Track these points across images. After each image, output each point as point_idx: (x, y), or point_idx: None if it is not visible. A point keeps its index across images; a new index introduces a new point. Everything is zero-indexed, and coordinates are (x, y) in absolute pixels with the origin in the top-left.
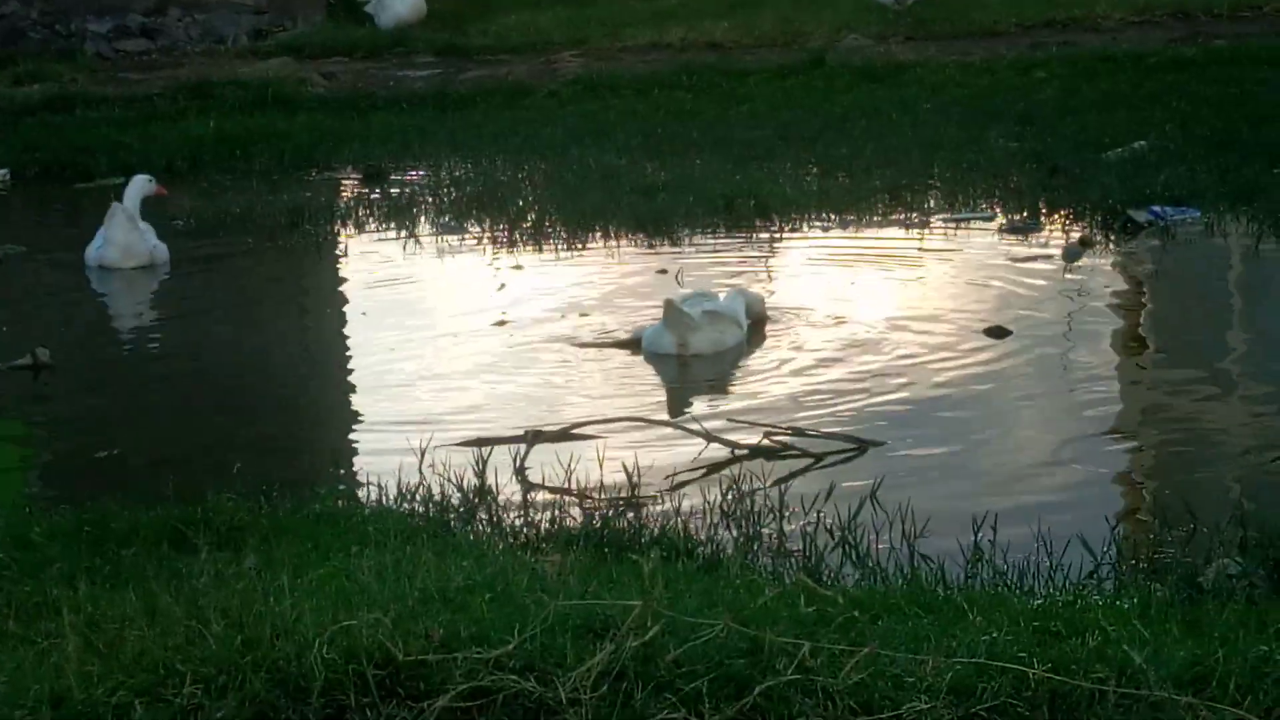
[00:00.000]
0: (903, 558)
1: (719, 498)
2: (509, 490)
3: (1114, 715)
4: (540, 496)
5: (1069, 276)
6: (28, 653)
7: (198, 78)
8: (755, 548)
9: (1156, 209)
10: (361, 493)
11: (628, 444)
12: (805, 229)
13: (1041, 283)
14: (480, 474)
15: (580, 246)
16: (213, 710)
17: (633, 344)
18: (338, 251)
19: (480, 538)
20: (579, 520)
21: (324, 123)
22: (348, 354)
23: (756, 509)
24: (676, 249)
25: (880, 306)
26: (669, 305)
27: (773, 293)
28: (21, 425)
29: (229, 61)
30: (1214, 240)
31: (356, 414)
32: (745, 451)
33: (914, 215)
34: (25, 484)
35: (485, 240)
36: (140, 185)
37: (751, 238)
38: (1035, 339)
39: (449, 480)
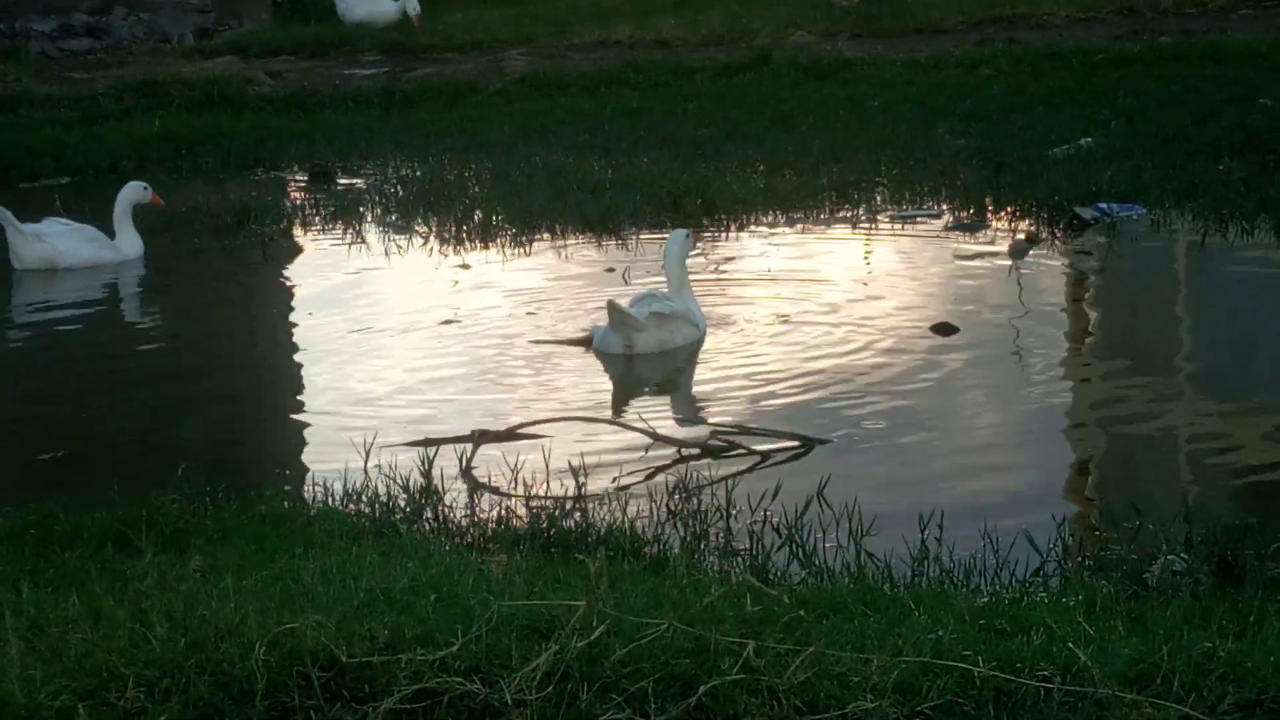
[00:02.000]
0: (849, 556)
1: (666, 497)
2: (455, 490)
3: (1059, 713)
4: (486, 496)
5: (1016, 273)
6: None
7: (143, 77)
8: (702, 547)
9: (1103, 206)
10: (307, 493)
11: (575, 444)
12: (752, 227)
13: (988, 280)
14: (426, 474)
15: (528, 245)
16: (156, 713)
17: (585, 342)
18: (284, 251)
19: (426, 538)
20: (525, 520)
21: (270, 122)
22: (294, 354)
23: (703, 508)
24: (624, 247)
25: (826, 304)
26: (612, 306)
27: (715, 288)
28: None
29: (175, 61)
30: (1160, 236)
31: (302, 414)
32: (693, 450)
33: (861, 213)
34: None
35: (432, 239)
36: (133, 191)
37: (699, 236)
38: (982, 336)
39: (395, 481)
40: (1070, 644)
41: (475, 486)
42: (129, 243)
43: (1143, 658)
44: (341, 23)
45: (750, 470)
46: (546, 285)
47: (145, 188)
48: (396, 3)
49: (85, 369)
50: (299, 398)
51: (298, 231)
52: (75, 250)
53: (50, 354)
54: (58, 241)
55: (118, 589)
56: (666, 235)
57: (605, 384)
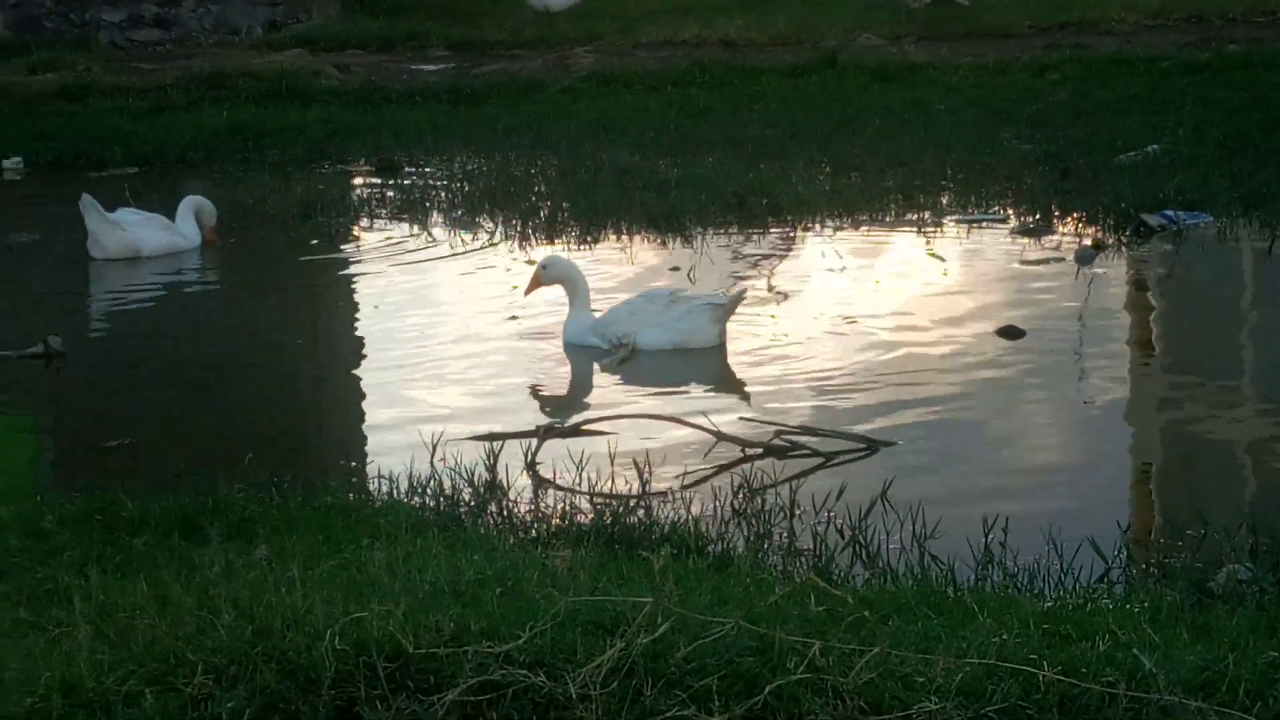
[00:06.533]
0: (913, 558)
1: (730, 496)
2: (520, 485)
3: (1124, 719)
4: (551, 492)
5: (1081, 279)
6: (39, 640)
7: (212, 69)
8: (766, 546)
9: (1169, 213)
10: (372, 485)
11: (639, 440)
12: (817, 228)
13: (1053, 285)
14: (491, 469)
15: (593, 242)
16: (223, 700)
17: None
18: (349, 244)
19: (491, 532)
20: (589, 516)
21: (338, 115)
22: (359, 347)
23: (767, 507)
24: (689, 246)
25: (892, 307)
26: (739, 296)
27: (783, 294)
28: (32, 413)
29: (243, 53)
30: (1226, 245)
31: (368, 407)
32: (757, 450)
33: (926, 216)
34: (37, 472)
35: (498, 235)
36: (207, 212)
37: (764, 236)
38: (1048, 341)
39: (460, 474)
40: (1135, 650)
41: (540, 482)
42: (190, 230)
43: (1208, 666)
44: (533, 9)
45: (814, 471)
46: (611, 283)
47: (214, 214)
48: None
49: (152, 357)
50: (364, 390)
51: (364, 225)
52: (154, 238)
53: (118, 342)
54: (137, 230)
55: (185, 576)
56: (731, 235)
57: (669, 381)
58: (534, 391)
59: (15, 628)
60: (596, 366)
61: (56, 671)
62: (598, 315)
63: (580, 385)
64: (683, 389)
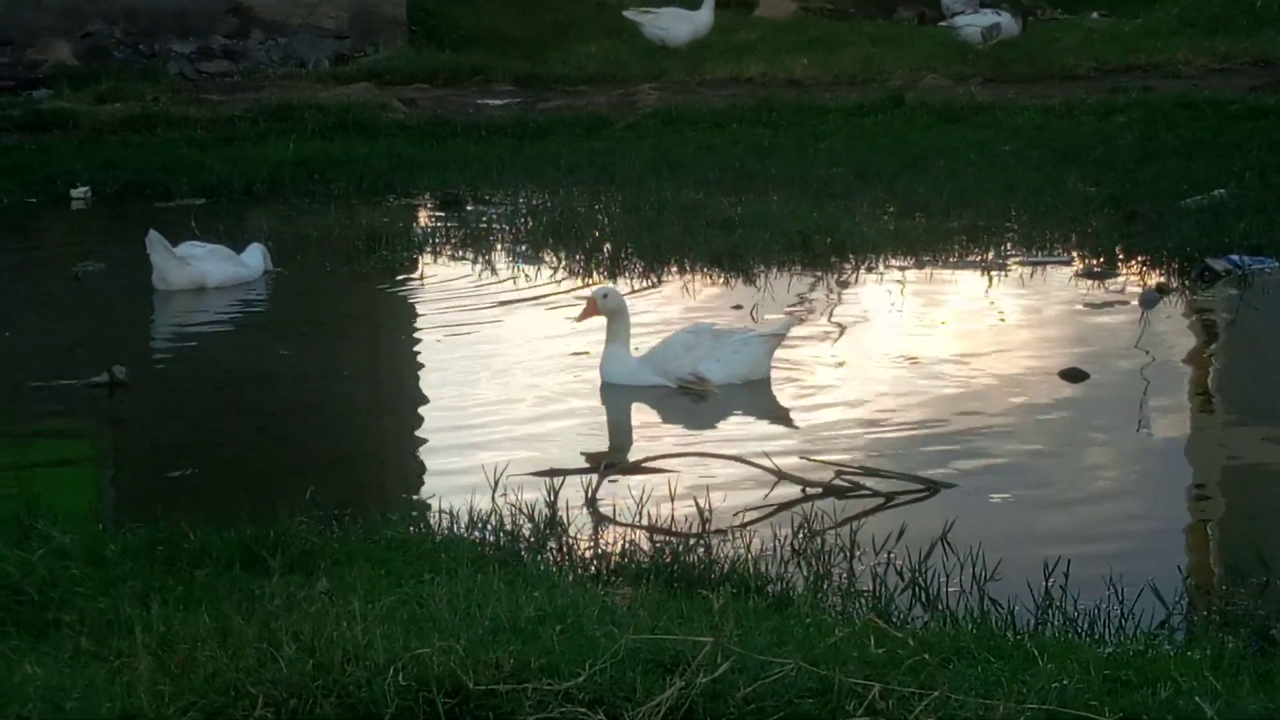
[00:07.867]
0: (973, 601)
1: (790, 535)
2: (580, 522)
3: None
4: (611, 529)
5: (1146, 323)
6: (100, 670)
7: (279, 101)
8: (825, 587)
9: (1234, 257)
10: (433, 520)
11: (699, 478)
12: (881, 268)
13: (1118, 328)
14: (551, 504)
15: (656, 279)
16: None
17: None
18: (413, 277)
19: (551, 569)
20: (649, 554)
21: (403, 149)
22: (421, 380)
23: (827, 548)
24: (752, 284)
25: (955, 347)
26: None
27: (843, 328)
28: (96, 442)
29: (310, 85)
30: None
31: (429, 441)
32: (817, 490)
33: (990, 257)
34: (99, 501)
35: (561, 270)
36: (264, 250)
37: (827, 275)
38: (1111, 384)
39: (520, 510)
40: (1197, 698)
41: (600, 519)
42: (254, 260)
43: (1270, 714)
44: (650, 42)
45: (874, 511)
46: (673, 320)
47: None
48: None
49: (216, 388)
50: (426, 424)
51: (428, 258)
52: (219, 269)
53: (182, 373)
54: (203, 263)
55: (246, 608)
56: (795, 275)
57: (729, 419)
58: (593, 428)
59: (77, 658)
60: (650, 404)
61: (117, 702)
62: (639, 353)
63: (639, 422)
64: (739, 426)
